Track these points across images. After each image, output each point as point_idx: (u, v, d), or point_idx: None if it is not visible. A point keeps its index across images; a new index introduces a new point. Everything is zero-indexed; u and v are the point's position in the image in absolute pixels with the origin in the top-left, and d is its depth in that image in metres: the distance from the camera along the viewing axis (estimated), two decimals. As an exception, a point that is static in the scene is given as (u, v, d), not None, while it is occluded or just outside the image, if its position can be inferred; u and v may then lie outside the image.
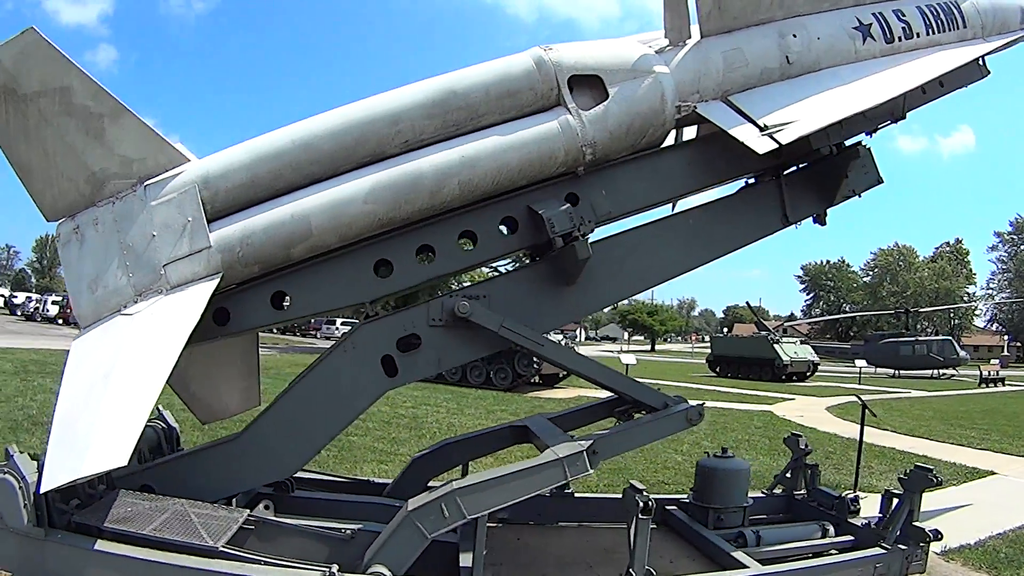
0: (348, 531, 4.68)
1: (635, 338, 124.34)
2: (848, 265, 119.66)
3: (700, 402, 5.58)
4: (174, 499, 4.48)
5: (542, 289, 5.45)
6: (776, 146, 5.03)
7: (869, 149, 6.26)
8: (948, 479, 11.55)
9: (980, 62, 6.98)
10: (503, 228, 5.37)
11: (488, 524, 6.72)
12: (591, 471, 4.80)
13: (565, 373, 28.83)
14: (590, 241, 5.30)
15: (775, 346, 42.18)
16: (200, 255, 4.72)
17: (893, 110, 6.35)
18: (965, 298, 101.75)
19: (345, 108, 5.06)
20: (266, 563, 4.18)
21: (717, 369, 46.18)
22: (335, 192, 4.83)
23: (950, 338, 57.03)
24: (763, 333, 45.44)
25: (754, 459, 12.55)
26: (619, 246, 5.65)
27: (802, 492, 7.47)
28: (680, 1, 5.46)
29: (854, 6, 6.05)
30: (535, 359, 25.14)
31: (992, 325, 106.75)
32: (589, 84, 5.23)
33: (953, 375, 52.07)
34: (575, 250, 5.07)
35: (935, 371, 52.56)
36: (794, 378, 42.28)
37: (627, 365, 28.69)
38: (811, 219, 6.28)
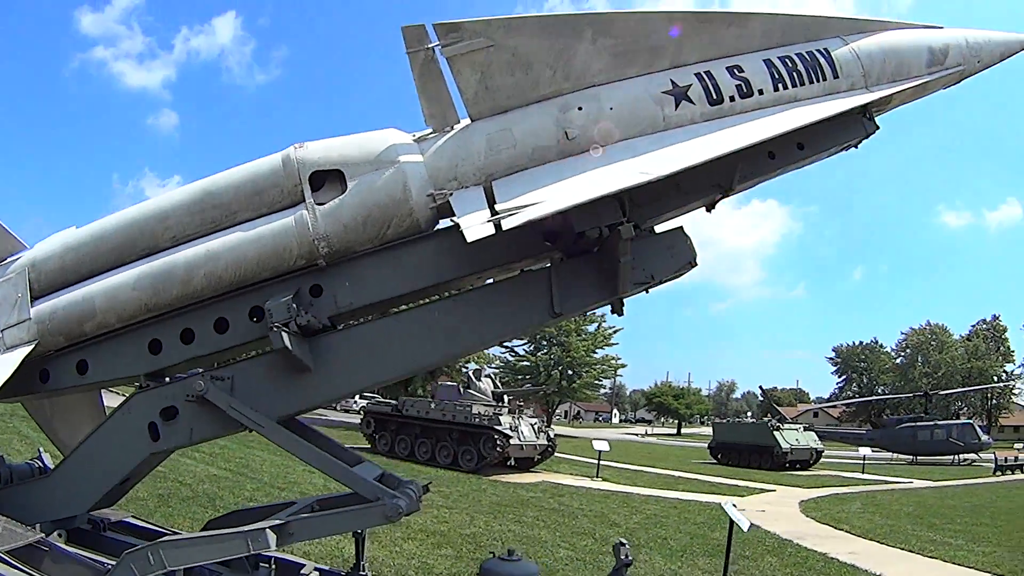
0: (108, 566, 5.31)
1: (671, 420, 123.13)
2: (881, 346, 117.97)
3: (413, 508, 5.58)
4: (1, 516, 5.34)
5: (282, 375, 5.61)
6: (489, 233, 4.76)
7: (681, 228, 5.83)
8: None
9: (867, 116, 6.29)
10: (253, 316, 5.62)
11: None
12: (272, 548, 5.10)
13: (540, 458, 29.00)
14: (340, 329, 5.71)
15: (774, 433, 41.22)
16: (24, 324, 5.71)
17: (720, 181, 5.87)
18: (1003, 376, 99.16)
19: (132, 207, 5.85)
20: (17, 568, 4.90)
21: (719, 456, 45.36)
22: (114, 280, 5.60)
23: (971, 422, 55.65)
24: (764, 419, 44.58)
25: (648, 560, 12.20)
26: (355, 338, 5.75)
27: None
28: (436, 86, 5.37)
29: (672, 68, 5.63)
30: (498, 442, 25.30)
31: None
32: (339, 179, 5.38)
33: (975, 460, 50.41)
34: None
35: (956, 456, 50.93)
36: (797, 466, 41.38)
37: (599, 451, 28.50)
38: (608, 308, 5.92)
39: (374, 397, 55.52)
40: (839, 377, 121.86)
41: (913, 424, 53.86)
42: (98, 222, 5.88)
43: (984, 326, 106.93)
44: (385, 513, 5.33)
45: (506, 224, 4.70)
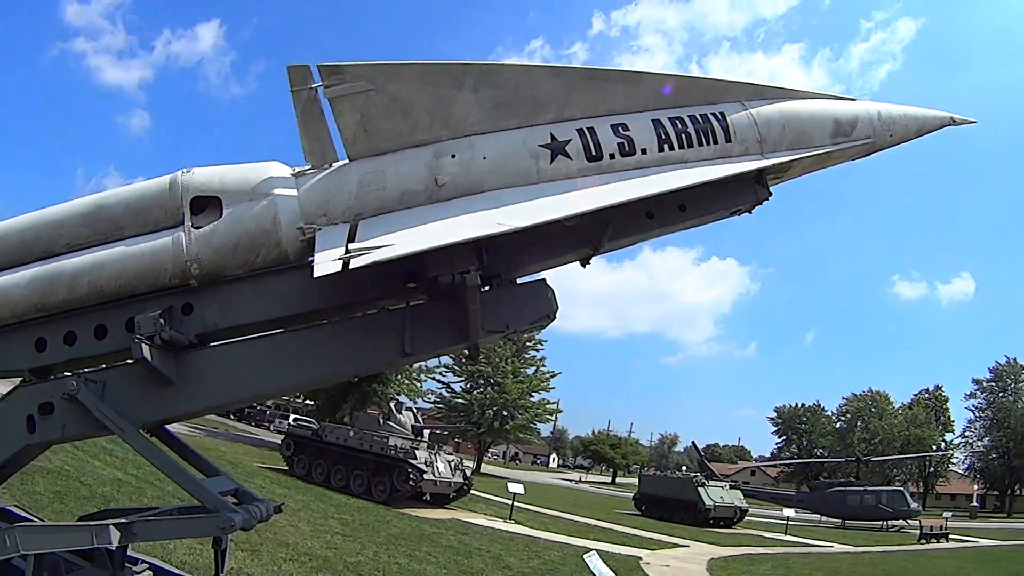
0: None
1: (608, 468, 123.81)
2: (823, 409, 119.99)
3: (249, 524, 6.05)
4: None
5: (149, 384, 5.96)
6: (335, 271, 5.01)
7: (543, 280, 6.14)
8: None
9: (760, 182, 6.44)
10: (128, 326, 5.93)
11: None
12: (113, 544, 5.45)
13: (456, 495, 29.59)
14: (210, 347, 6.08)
15: (699, 489, 41.83)
16: None
17: (591, 237, 6.10)
18: (942, 446, 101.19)
19: (33, 212, 6.26)
20: None
21: (643, 508, 45.93)
22: (10, 278, 6.00)
23: (901, 489, 56.99)
24: (691, 474, 45.28)
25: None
26: (215, 357, 6.14)
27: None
28: (317, 125, 5.73)
29: (555, 122, 5.86)
30: (411, 476, 25.82)
31: (970, 473, 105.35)
32: (218, 205, 5.80)
33: (903, 527, 51.57)
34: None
35: (885, 522, 52.15)
36: (720, 523, 41.97)
37: (513, 493, 28.98)
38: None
39: (301, 420, 55.43)
40: (779, 437, 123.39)
41: (843, 488, 55.19)
42: (5, 222, 6.31)
43: (926, 395, 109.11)
44: (219, 524, 5.74)
45: (353, 263, 4.94)
